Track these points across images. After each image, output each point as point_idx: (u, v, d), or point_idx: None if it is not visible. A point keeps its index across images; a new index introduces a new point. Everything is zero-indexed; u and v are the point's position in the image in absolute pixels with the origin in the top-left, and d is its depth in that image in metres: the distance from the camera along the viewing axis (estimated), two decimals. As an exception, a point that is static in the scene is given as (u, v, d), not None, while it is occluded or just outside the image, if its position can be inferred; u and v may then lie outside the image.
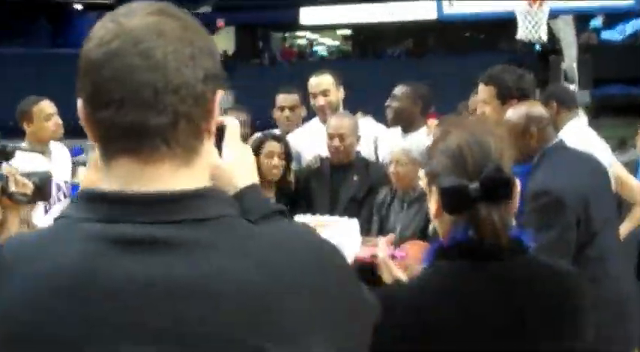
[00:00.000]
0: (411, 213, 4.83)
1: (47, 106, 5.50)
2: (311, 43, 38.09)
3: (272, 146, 5.06)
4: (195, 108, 1.23)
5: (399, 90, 5.60)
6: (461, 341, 1.84)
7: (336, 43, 39.18)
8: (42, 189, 3.67)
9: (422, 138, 5.04)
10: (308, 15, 33.39)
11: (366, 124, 5.61)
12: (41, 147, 5.40)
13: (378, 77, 27.47)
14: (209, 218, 1.21)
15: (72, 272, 1.17)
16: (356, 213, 5.04)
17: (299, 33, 38.45)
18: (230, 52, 35.05)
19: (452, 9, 10.92)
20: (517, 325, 1.87)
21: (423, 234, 4.72)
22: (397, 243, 4.78)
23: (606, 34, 29.62)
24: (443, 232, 1.95)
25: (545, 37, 9.36)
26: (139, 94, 1.20)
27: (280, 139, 5.18)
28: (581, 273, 2.08)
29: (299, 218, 4.89)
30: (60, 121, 5.52)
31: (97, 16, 35.52)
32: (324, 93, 5.55)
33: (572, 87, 12.29)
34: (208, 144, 1.29)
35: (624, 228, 5.35)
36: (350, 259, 4.78)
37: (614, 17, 28.84)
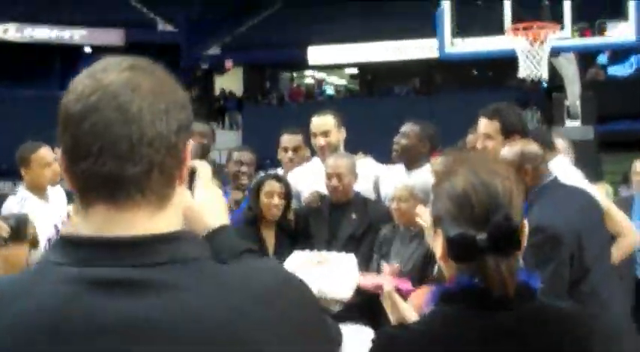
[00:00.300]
0: (411, 249, 4.87)
1: (46, 154, 5.48)
2: (319, 82, 38.25)
3: (272, 185, 5.14)
4: (168, 158, 1.32)
5: (407, 127, 5.64)
6: None
7: (344, 81, 39.34)
8: (18, 231, 3.77)
9: (426, 175, 5.11)
10: (315, 54, 33.64)
11: (366, 164, 5.68)
12: (38, 192, 5.45)
13: (386, 115, 27.58)
14: (181, 260, 1.28)
15: (51, 312, 1.23)
16: (354, 250, 5.11)
17: (307, 72, 38.63)
18: (238, 93, 35.26)
19: (453, 48, 11.02)
20: None
21: (422, 269, 4.77)
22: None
23: (613, 70, 29.68)
24: (449, 275, 1.87)
25: (546, 75, 9.45)
26: (116, 146, 1.28)
27: (280, 179, 5.25)
28: (589, 313, 2.01)
29: (298, 254, 4.98)
30: (58, 169, 5.43)
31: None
32: (325, 134, 5.63)
33: (576, 123, 12.38)
34: (180, 189, 1.37)
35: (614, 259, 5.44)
36: (348, 293, 4.85)
37: (621, 52, 28.97)
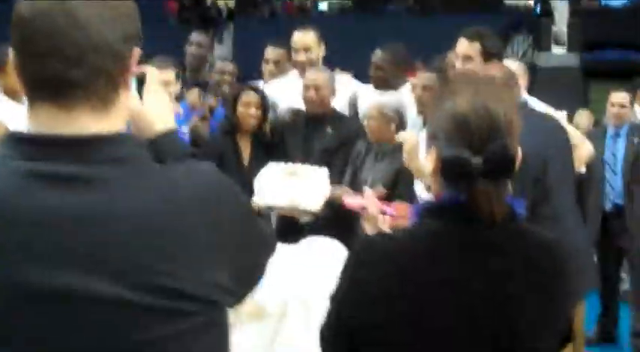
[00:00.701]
0: (382, 166, 4.99)
1: None
2: (312, -2, 37.91)
3: (249, 96, 5.25)
4: (112, 64, 1.41)
5: (378, 58, 5.73)
6: (439, 303, 1.77)
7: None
8: None
9: (399, 95, 5.20)
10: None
11: (344, 80, 5.77)
12: (14, 96, 5.29)
13: (377, 33, 27.46)
14: (121, 159, 1.39)
15: (1, 201, 1.35)
16: (328, 163, 5.22)
17: (300, -13, 38.21)
18: (231, 4, 34.90)
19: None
20: (499, 292, 1.79)
21: (392, 186, 4.90)
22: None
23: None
24: (436, 191, 1.87)
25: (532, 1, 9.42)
26: (63, 50, 1.37)
27: (257, 90, 5.36)
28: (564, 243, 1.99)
29: (272, 166, 5.09)
30: None
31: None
32: (306, 49, 5.70)
33: (562, 50, 12.41)
34: (125, 95, 1.47)
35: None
36: (318, 205, 4.99)
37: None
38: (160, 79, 1.84)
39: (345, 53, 18.06)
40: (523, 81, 5.65)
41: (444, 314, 1.75)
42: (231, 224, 1.44)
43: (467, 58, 4.63)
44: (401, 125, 4.94)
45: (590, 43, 14.32)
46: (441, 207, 1.81)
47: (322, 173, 5.04)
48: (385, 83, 5.65)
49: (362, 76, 6.07)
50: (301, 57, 5.69)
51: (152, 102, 1.76)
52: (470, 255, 1.78)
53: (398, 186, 4.88)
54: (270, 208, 5.00)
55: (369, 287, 1.76)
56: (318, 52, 5.76)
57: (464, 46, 4.66)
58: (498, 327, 1.77)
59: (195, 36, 6.60)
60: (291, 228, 5.06)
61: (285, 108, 5.58)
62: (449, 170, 1.76)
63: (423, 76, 5.00)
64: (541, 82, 13.10)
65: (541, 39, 13.06)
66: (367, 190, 4.88)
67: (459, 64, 4.66)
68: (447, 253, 1.79)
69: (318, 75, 5.32)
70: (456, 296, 1.76)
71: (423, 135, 4.48)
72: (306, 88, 5.28)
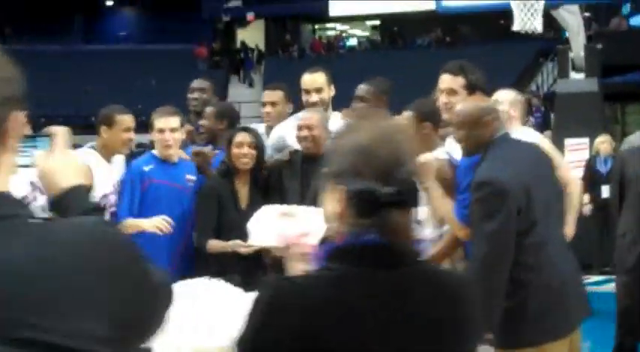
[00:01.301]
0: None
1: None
2: (340, 34, 38.09)
3: (241, 136, 5.30)
4: None
5: (362, 90, 5.72)
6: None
7: (366, 33, 39.13)
8: None
9: None
10: (337, 6, 33.45)
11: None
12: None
13: (407, 67, 27.55)
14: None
15: None
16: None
17: (329, 24, 38.46)
18: (261, 46, 35.22)
19: (450, 2, 11.01)
20: (404, 334, 1.74)
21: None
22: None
23: (634, 20, 29.23)
24: (340, 233, 1.79)
25: (540, 28, 9.43)
26: None
27: (250, 130, 5.42)
28: (472, 282, 2.03)
29: (269, 208, 5.11)
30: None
31: (129, 13, 35.54)
32: (318, 90, 5.73)
33: (580, 75, 12.35)
34: (6, 156, 1.49)
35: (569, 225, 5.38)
36: (315, 244, 4.98)
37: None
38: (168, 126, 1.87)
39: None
40: (518, 111, 5.65)
41: None
42: (114, 276, 1.43)
43: (451, 92, 4.64)
44: None
45: (607, 67, 14.28)
46: (347, 250, 1.75)
47: (317, 213, 5.04)
48: None
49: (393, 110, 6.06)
50: (313, 98, 5.70)
51: (57, 160, 1.78)
52: (376, 300, 1.73)
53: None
54: (262, 251, 5.03)
55: (275, 334, 1.72)
56: (329, 92, 5.79)
57: (447, 80, 4.69)
58: None
59: (197, 83, 6.70)
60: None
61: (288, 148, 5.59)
62: (359, 204, 1.72)
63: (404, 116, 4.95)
64: (561, 108, 13.05)
65: (560, 65, 13.02)
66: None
67: (443, 99, 4.67)
68: (353, 300, 1.73)
69: (310, 114, 5.36)
70: (362, 344, 1.71)
71: None
72: (299, 128, 5.31)
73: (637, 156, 6.05)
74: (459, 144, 4.35)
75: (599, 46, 18.84)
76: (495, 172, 4.04)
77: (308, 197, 5.26)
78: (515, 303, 4.03)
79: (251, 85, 31.94)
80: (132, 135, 5.42)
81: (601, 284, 10.92)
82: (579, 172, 11.82)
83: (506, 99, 5.70)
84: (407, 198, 1.72)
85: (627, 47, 17.98)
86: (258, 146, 5.35)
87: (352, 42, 38.25)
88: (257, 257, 5.14)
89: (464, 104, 4.30)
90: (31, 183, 5.43)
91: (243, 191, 5.35)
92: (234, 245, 5.08)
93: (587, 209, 11.53)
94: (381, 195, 1.69)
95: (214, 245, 5.20)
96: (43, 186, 1.76)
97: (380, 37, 37.40)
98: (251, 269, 5.15)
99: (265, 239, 4.99)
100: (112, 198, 5.39)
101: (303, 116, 5.39)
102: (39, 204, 5.38)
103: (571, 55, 12.28)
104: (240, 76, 33.10)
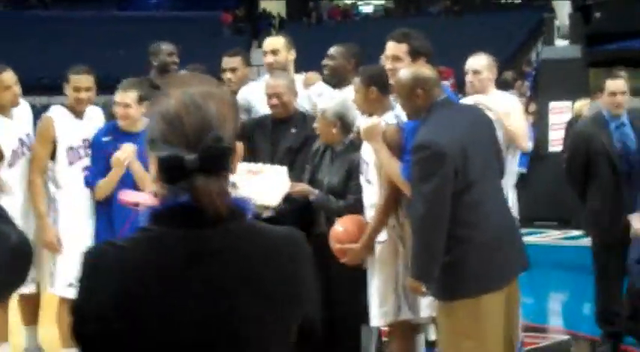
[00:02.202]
0: (336, 165, 4.98)
1: (6, 78, 5.40)
2: (355, 2, 37.78)
3: None
4: None
5: (333, 50, 5.70)
6: (163, 314, 1.63)
7: (381, 2, 38.77)
8: None
9: (347, 97, 5.15)
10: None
11: (318, 86, 5.72)
12: (1, 111, 5.45)
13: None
14: None
15: None
16: (292, 161, 5.23)
17: (345, -6, 38.23)
18: (282, 14, 35.04)
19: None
20: (224, 296, 1.66)
21: (345, 184, 4.88)
22: (325, 192, 4.96)
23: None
24: (160, 196, 1.72)
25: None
26: None
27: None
28: (298, 235, 1.82)
29: (238, 165, 5.08)
30: (17, 91, 5.45)
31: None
32: (274, 52, 5.73)
33: (565, 43, 12.20)
34: None
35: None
36: (276, 200, 4.99)
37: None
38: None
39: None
40: (493, 74, 5.59)
41: (168, 324, 1.63)
42: None
43: (396, 59, 4.59)
44: (344, 125, 4.89)
45: (600, 35, 14.09)
46: (163, 212, 1.68)
47: (282, 171, 5.05)
48: (335, 71, 5.63)
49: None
50: (268, 59, 5.74)
51: None
52: (193, 260, 1.65)
53: (349, 183, 4.86)
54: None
55: (100, 297, 1.64)
56: (287, 55, 5.78)
57: (391, 47, 4.63)
58: (224, 332, 1.65)
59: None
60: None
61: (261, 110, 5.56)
62: (165, 170, 1.64)
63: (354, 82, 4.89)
64: (546, 73, 12.91)
65: (547, 33, 12.87)
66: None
67: (389, 65, 4.62)
68: (170, 260, 1.65)
69: (277, 82, 5.32)
70: (180, 304, 1.63)
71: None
72: (269, 95, 5.30)
73: (599, 128, 5.91)
74: (402, 108, 4.31)
75: (598, 14, 18.56)
76: (433, 136, 4.00)
77: (277, 156, 5.26)
78: (453, 258, 4.01)
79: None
80: (82, 95, 5.41)
81: (579, 239, 10.90)
82: (561, 133, 11.83)
83: (482, 64, 5.63)
84: (212, 163, 1.62)
85: (620, 16, 17.71)
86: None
87: (368, 9, 37.92)
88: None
89: (401, 72, 4.25)
90: (20, 140, 5.46)
91: (216, 150, 5.29)
92: (204, 200, 5.05)
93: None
94: (185, 161, 1.60)
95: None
96: None
97: (394, 4, 37.08)
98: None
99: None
100: (82, 152, 5.43)
101: (270, 83, 5.34)
102: (26, 159, 5.43)
103: (556, 23, 12.14)
104: (260, 41, 32.89)
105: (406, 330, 4.67)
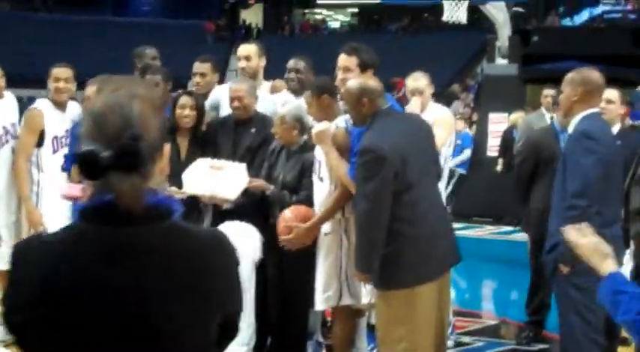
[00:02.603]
0: (291, 163, 4.85)
1: None
2: (325, 18, 37.60)
3: (184, 100, 5.12)
4: None
5: (296, 64, 5.57)
6: (80, 307, 1.51)
7: (347, 19, 38.64)
8: None
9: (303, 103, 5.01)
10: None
11: (283, 96, 5.56)
12: None
13: (379, 49, 27.13)
14: None
15: None
16: (251, 159, 5.09)
17: (317, 10, 38.00)
18: (259, 25, 34.80)
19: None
20: (141, 292, 1.52)
21: (298, 181, 4.76)
22: (280, 187, 4.83)
23: (565, 21, 28.92)
24: (90, 193, 1.59)
25: (464, 19, 9.24)
26: None
27: (192, 94, 5.22)
28: (217, 235, 1.67)
29: (200, 161, 4.95)
30: (2, 84, 5.38)
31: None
32: (247, 58, 5.55)
33: (504, 61, 12.20)
34: None
35: None
36: (235, 194, 4.84)
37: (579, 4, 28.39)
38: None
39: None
40: (430, 90, 5.45)
41: (85, 317, 1.50)
42: None
43: (346, 70, 4.48)
44: (302, 128, 4.76)
45: (538, 56, 14.16)
46: (88, 209, 1.55)
47: (241, 167, 4.92)
48: (302, 83, 5.48)
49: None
50: (241, 64, 5.57)
51: None
52: (111, 256, 1.52)
53: (302, 180, 4.73)
54: (194, 196, 4.87)
55: (24, 288, 1.53)
56: (258, 62, 5.59)
57: (343, 59, 4.53)
58: (140, 328, 1.51)
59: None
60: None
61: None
62: (81, 166, 1.49)
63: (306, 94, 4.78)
64: (487, 87, 12.94)
65: (489, 52, 12.86)
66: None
67: (340, 75, 4.51)
68: (87, 256, 1.52)
69: (239, 86, 5.18)
70: (96, 298, 1.50)
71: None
72: (231, 99, 5.15)
73: (550, 138, 5.81)
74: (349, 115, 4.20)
75: (535, 38, 18.58)
76: (376, 141, 3.92)
77: (237, 153, 5.11)
78: (391, 251, 3.93)
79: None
80: (60, 84, 5.29)
81: (510, 234, 10.92)
82: (498, 141, 11.88)
83: (425, 84, 5.49)
84: (126, 161, 1.48)
85: (554, 40, 17.79)
86: (199, 107, 5.15)
87: (335, 25, 37.77)
88: (194, 201, 4.98)
89: (350, 83, 4.14)
90: (4, 128, 5.29)
91: (183, 146, 5.16)
92: (170, 191, 4.90)
93: (499, 168, 11.76)
94: (100, 158, 1.47)
95: (155, 190, 5.01)
96: None
97: (357, 22, 36.96)
98: (186, 211, 4.98)
99: (195, 187, 4.85)
100: (64, 141, 5.33)
101: (233, 88, 5.21)
102: (10, 146, 5.28)
103: (498, 43, 12.14)
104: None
105: (348, 314, 4.55)
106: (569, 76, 4.16)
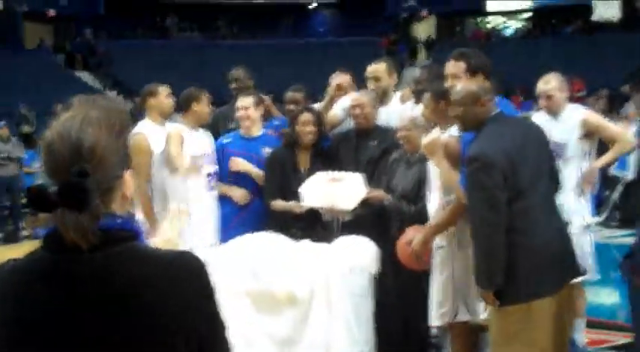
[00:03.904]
0: (411, 172, 4.63)
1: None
2: (495, 26, 36.48)
3: (305, 117, 5.02)
4: None
5: (418, 75, 5.24)
6: (27, 337, 1.43)
7: (520, 24, 37.24)
8: None
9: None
10: (493, 4, 32.40)
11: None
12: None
13: (555, 52, 25.89)
14: None
15: None
16: (373, 171, 4.93)
17: (489, 18, 37.00)
18: (433, 36, 34.38)
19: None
20: (90, 314, 1.43)
21: (418, 189, 4.51)
22: (399, 197, 4.59)
23: None
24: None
25: (616, 18, 8.48)
26: None
27: (312, 110, 5.11)
28: (195, 260, 1.53)
29: (318, 174, 4.84)
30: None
31: (329, 13, 35.72)
32: (376, 79, 5.34)
33: None
34: None
35: (603, 160, 5.04)
36: (353, 205, 4.67)
37: None
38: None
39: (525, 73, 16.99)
40: (565, 92, 5.02)
41: (34, 345, 1.42)
42: None
43: (454, 77, 4.17)
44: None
45: None
46: (46, 236, 1.47)
47: (359, 178, 4.75)
48: (420, 94, 5.17)
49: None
50: (371, 85, 5.33)
51: None
52: (54, 284, 1.43)
53: (421, 190, 4.47)
54: (313, 209, 4.76)
55: None
56: (389, 80, 5.37)
57: (450, 65, 4.24)
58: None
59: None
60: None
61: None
62: (30, 200, 1.38)
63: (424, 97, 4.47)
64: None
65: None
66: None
67: (449, 82, 4.20)
68: (34, 282, 1.45)
69: (362, 96, 5.07)
70: (38, 327, 1.42)
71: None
72: (352, 107, 5.02)
73: None
74: (457, 120, 3.88)
75: None
76: (483, 148, 3.65)
77: (359, 166, 4.95)
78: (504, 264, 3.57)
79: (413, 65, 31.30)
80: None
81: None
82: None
83: (553, 86, 5.05)
84: (71, 199, 1.37)
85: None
86: (320, 123, 5.03)
87: (510, 32, 36.51)
88: (316, 214, 4.86)
89: (463, 85, 3.86)
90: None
91: (304, 161, 5.06)
92: (290, 205, 4.83)
93: None
94: (47, 194, 1.37)
95: (276, 205, 4.95)
96: None
97: (532, 26, 35.53)
98: (310, 224, 4.88)
99: (313, 200, 4.73)
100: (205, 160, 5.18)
101: (355, 97, 5.08)
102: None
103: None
104: (412, 61, 32.37)
105: (465, 330, 4.22)
106: None
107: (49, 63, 29.10)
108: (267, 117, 5.60)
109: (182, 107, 5.21)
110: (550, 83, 5.03)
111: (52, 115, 1.42)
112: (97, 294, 1.43)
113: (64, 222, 1.38)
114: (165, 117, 5.34)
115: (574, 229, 4.72)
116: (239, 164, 5.13)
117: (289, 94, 5.66)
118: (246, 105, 5.22)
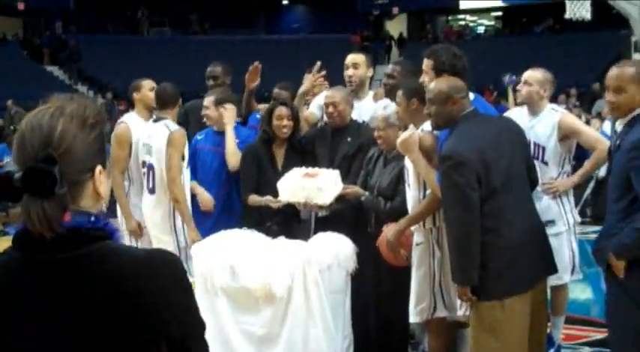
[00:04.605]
0: (389, 169, 4.59)
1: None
2: (468, 24, 36.67)
3: (280, 110, 4.96)
4: None
5: (391, 69, 5.20)
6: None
7: (491, 23, 37.46)
8: None
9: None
10: (466, 2, 32.46)
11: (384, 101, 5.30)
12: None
13: (525, 51, 26.06)
14: None
15: None
16: (348, 167, 4.90)
17: (460, 16, 37.16)
18: (404, 34, 34.46)
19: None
20: (58, 316, 1.40)
21: (395, 185, 4.48)
22: (376, 195, 4.56)
23: None
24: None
25: (588, 16, 8.56)
26: None
27: (287, 104, 5.05)
28: (167, 259, 1.50)
29: (294, 170, 4.79)
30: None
31: (301, 9, 35.57)
32: (355, 66, 5.33)
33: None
34: None
35: (582, 171, 4.96)
36: (329, 200, 4.63)
37: None
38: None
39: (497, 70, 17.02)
40: (548, 91, 4.97)
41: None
42: None
43: (425, 73, 4.17)
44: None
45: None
46: (15, 235, 1.43)
47: (334, 174, 4.72)
48: (394, 89, 5.14)
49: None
50: (349, 72, 5.33)
51: None
52: (30, 288, 1.39)
53: (398, 187, 4.44)
54: (289, 204, 4.71)
55: None
56: (366, 71, 5.36)
57: (424, 62, 4.21)
58: None
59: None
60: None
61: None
62: (1, 189, 1.35)
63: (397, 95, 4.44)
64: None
65: (623, 47, 11.93)
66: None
67: (421, 78, 4.20)
68: (7, 286, 1.41)
69: (335, 93, 4.99)
70: (13, 326, 1.39)
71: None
72: (326, 105, 4.99)
73: None
74: (430, 118, 3.86)
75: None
76: (455, 146, 3.63)
77: (335, 162, 4.91)
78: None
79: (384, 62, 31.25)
80: None
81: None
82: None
83: (534, 76, 5.02)
84: (34, 184, 1.34)
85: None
86: (295, 117, 4.98)
87: (480, 30, 36.70)
88: (293, 209, 4.82)
89: (436, 82, 3.84)
90: None
91: (279, 156, 5.02)
92: (267, 200, 4.79)
93: None
94: (11, 180, 1.34)
95: (253, 200, 4.89)
96: None
97: (502, 26, 35.73)
98: (287, 220, 4.84)
99: (289, 195, 4.68)
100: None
101: (328, 94, 5.05)
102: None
103: (633, 38, 11.23)
104: (385, 58, 32.40)
105: (443, 327, 4.21)
106: None
107: (17, 56, 28.70)
108: (249, 110, 5.56)
109: (166, 104, 5.14)
110: (535, 74, 4.99)
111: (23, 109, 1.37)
112: (67, 296, 1.39)
113: (29, 211, 1.34)
114: (150, 110, 5.39)
115: (558, 229, 4.73)
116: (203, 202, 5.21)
117: (276, 91, 5.60)
118: (206, 105, 5.27)
